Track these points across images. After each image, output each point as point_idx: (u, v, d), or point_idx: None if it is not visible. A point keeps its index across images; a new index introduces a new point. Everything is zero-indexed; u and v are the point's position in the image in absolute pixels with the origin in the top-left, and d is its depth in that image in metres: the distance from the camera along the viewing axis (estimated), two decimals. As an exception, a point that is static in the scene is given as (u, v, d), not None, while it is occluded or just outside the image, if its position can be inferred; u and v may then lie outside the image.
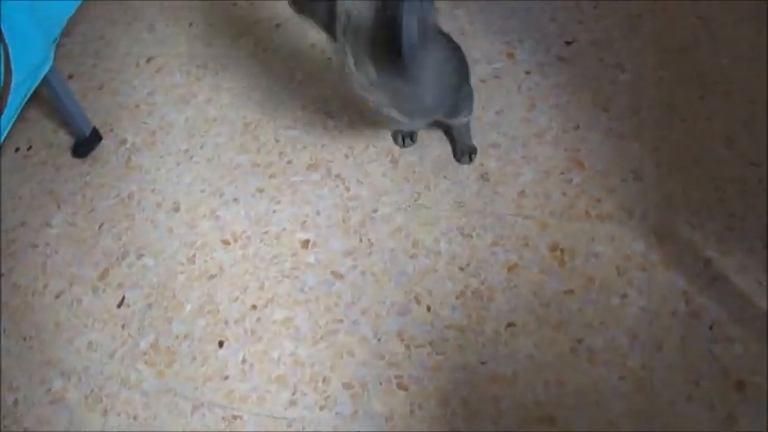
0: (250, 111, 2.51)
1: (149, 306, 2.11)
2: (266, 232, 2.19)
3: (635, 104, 2.31)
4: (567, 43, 2.53)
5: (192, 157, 2.42)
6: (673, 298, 1.91)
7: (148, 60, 2.77)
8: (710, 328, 1.85)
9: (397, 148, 2.30)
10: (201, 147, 2.44)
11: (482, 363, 1.87)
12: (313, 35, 2.69)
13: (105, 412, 1.96)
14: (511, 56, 2.52)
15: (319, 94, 2.51)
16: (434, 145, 2.28)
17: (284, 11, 2.78)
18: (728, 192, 2.08)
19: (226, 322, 2.04)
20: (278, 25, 2.78)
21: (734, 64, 2.38)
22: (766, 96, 2.28)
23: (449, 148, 2.28)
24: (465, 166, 2.22)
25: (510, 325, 1.92)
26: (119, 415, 1.95)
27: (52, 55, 2.21)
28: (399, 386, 1.86)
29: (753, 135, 2.19)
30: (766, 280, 1.92)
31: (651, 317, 1.89)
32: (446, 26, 2.51)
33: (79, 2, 2.29)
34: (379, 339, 1.94)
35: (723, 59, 2.40)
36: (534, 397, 1.80)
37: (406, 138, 2.27)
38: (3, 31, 1.94)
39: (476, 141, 2.27)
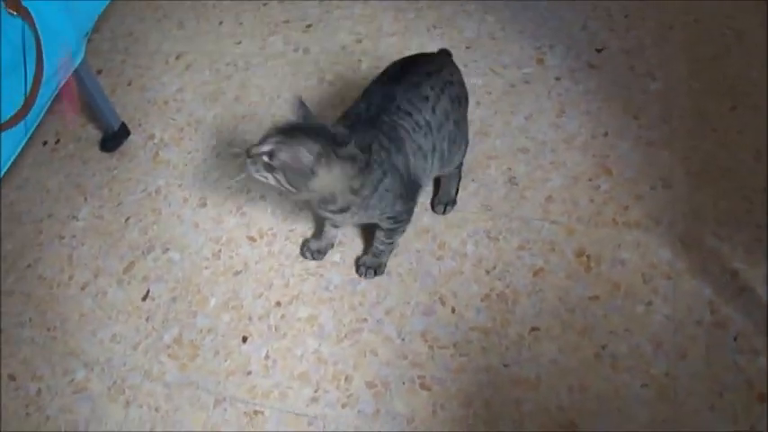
0: (278, 109, 2.52)
1: (174, 300, 2.12)
2: (292, 230, 2.20)
3: (665, 113, 2.30)
4: (598, 50, 2.53)
5: (219, 154, 2.43)
6: (698, 307, 1.90)
7: (177, 57, 2.80)
8: (735, 339, 1.84)
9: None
10: (229, 144, 2.45)
11: (505, 366, 1.87)
12: (343, 37, 2.71)
13: (127, 403, 1.97)
14: (541, 61, 2.52)
15: (348, 94, 2.50)
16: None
17: (314, 12, 2.79)
18: (756, 203, 2.07)
19: (250, 318, 2.05)
20: (308, 26, 2.80)
21: (765, 76, 2.36)
22: None
23: (476, 154, 2.27)
24: (493, 170, 2.22)
25: (534, 329, 1.92)
26: (141, 407, 1.96)
27: (83, 49, 2.22)
28: (422, 386, 1.86)
29: None
30: None
31: (676, 325, 1.88)
32: (477, 31, 2.57)
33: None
34: (402, 339, 1.94)
35: (754, 71, 2.38)
36: (557, 402, 1.80)
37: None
38: (36, 23, 1.95)
39: (504, 146, 2.27)
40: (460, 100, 1.95)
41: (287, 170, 1.62)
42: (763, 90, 2.32)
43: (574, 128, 2.27)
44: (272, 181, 1.65)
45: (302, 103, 1.71)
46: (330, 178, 1.66)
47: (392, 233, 1.95)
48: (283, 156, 1.61)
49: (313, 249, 2.12)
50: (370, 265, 2.05)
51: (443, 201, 2.15)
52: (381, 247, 2.00)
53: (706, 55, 2.44)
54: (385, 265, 2.06)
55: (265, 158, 1.62)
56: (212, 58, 2.76)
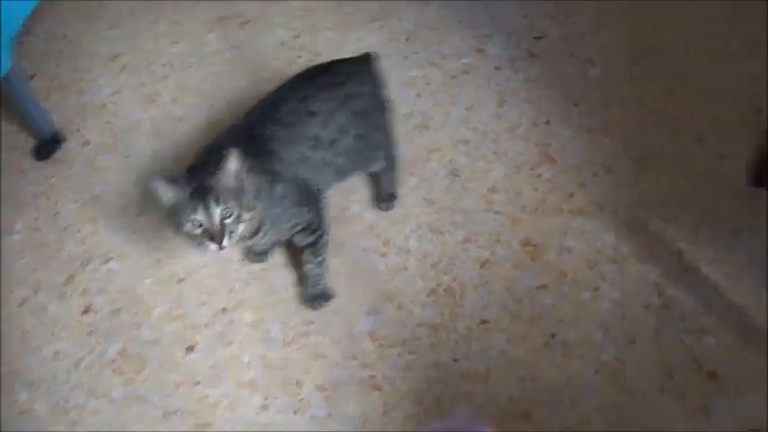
0: (216, 110, 2.48)
1: (116, 312, 2.06)
2: None
3: (606, 99, 2.32)
4: (538, 38, 2.53)
5: (156, 159, 2.37)
6: (645, 291, 1.92)
7: (113, 59, 2.74)
8: (682, 319, 1.86)
9: None
10: (166, 147, 2.40)
11: (455, 360, 1.85)
12: (280, 33, 2.68)
13: (74, 423, 1.90)
14: (481, 51, 2.51)
15: None
16: (402, 145, 2.22)
17: (251, 8, 2.76)
18: (699, 185, 2.09)
19: (195, 327, 2.00)
20: (245, 22, 2.76)
21: (703, 61, 2.40)
22: (735, 93, 2.30)
23: (416, 147, 2.26)
24: (434, 163, 2.20)
25: (483, 321, 1.91)
26: (87, 425, 1.89)
27: (11, 54, 2.16)
28: (373, 386, 1.84)
29: (721, 130, 2.21)
30: (736, 271, 1.92)
31: (624, 310, 1.88)
32: (417, 23, 2.56)
33: (36, 1, 2.25)
34: (351, 340, 1.91)
35: (694, 56, 2.42)
36: (508, 393, 1.79)
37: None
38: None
39: (445, 138, 2.26)
40: (368, 113, 1.91)
41: (233, 195, 1.59)
42: (701, 73, 2.35)
43: (515, 117, 2.27)
44: (244, 222, 1.62)
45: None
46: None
47: (315, 249, 1.90)
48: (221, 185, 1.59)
49: (257, 251, 2.09)
50: (315, 297, 1.99)
51: (384, 197, 2.13)
52: (315, 271, 1.95)
53: (645, 41, 2.46)
54: (327, 288, 2.01)
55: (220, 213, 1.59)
56: (149, 58, 2.71)
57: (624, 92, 2.34)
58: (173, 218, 1.60)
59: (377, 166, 2.03)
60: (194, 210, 1.56)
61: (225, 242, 1.58)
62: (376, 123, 1.96)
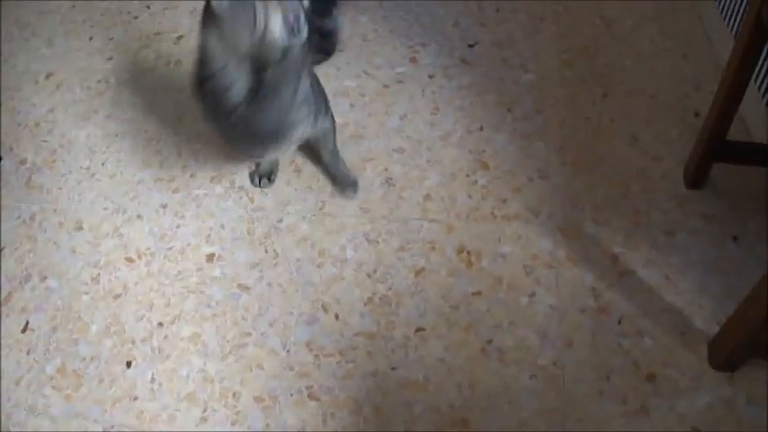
0: (152, 125, 2.47)
1: (54, 329, 2.04)
2: (171, 248, 2.15)
3: (539, 104, 2.34)
4: (470, 46, 2.55)
5: (93, 175, 2.36)
6: (581, 295, 1.93)
7: (47, 77, 2.71)
8: (620, 322, 1.87)
9: (300, 159, 2.29)
10: (103, 164, 2.39)
11: (393, 369, 1.85)
12: None
13: (12, 442, 1.89)
14: (414, 60, 2.52)
15: None
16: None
17: (185, 23, 2.75)
18: (632, 188, 2.11)
19: (133, 342, 1.98)
20: (179, 37, 2.76)
21: (635, 63, 2.43)
22: (667, 95, 2.33)
23: (351, 157, 2.26)
24: (369, 172, 2.21)
25: (419, 329, 1.91)
26: (26, 444, 1.87)
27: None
28: (310, 397, 1.83)
29: (654, 132, 2.24)
30: (672, 273, 1.94)
31: (560, 314, 1.90)
32: (351, 32, 2.58)
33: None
34: (288, 351, 1.91)
35: (626, 60, 2.45)
36: (447, 400, 1.79)
37: (263, 178, 2.24)
38: None
39: (379, 147, 2.27)
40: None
41: None
42: (634, 77, 2.38)
43: (449, 125, 2.28)
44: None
45: None
46: None
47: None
48: None
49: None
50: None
51: (348, 183, 2.16)
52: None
53: (577, 45, 2.49)
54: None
55: None
56: (83, 75, 2.69)
57: (557, 96, 2.36)
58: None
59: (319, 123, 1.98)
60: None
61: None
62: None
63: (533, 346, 1.85)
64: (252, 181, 2.25)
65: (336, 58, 2.54)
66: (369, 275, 2.01)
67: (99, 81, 2.65)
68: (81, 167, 2.39)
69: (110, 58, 2.73)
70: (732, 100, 1.85)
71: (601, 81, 2.40)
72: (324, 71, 2.48)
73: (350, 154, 2.25)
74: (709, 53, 2.44)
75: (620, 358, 1.81)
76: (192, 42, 2.60)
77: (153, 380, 1.91)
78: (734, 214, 2.04)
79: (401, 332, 1.91)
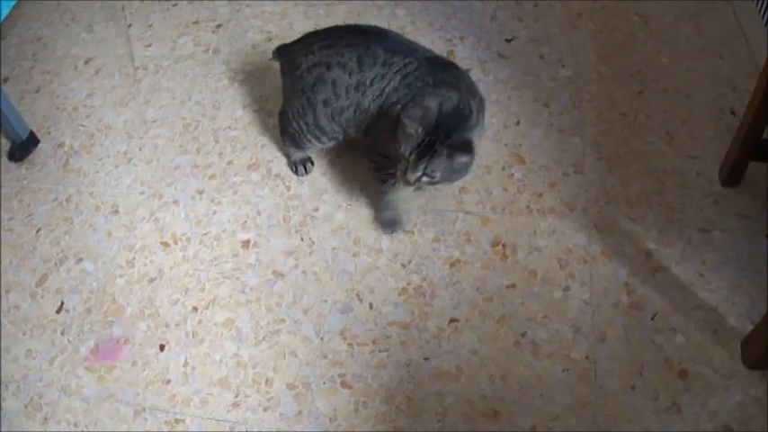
0: (189, 112, 2.49)
1: (89, 311, 2.05)
2: (206, 234, 2.16)
3: (575, 100, 2.34)
4: (508, 41, 2.55)
5: (130, 160, 2.38)
6: (615, 290, 1.93)
7: (87, 62, 2.73)
8: (653, 318, 1.87)
9: (335, 147, 2.28)
10: (140, 149, 2.41)
11: (425, 359, 1.86)
12: (253, 36, 2.69)
13: (45, 420, 1.89)
14: (452, 53, 2.53)
15: (260, 94, 2.50)
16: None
17: (223, 12, 2.76)
18: (667, 185, 2.11)
19: (167, 325, 2.00)
20: (218, 26, 2.77)
21: (672, 61, 2.42)
22: (703, 93, 2.32)
23: None
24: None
25: (453, 321, 1.92)
26: (59, 423, 1.88)
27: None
28: (343, 385, 1.84)
29: (690, 129, 2.23)
30: (706, 271, 1.94)
31: (594, 309, 1.90)
32: (388, 24, 2.59)
33: (13, 3, 2.24)
34: (321, 338, 1.92)
35: (662, 57, 2.45)
36: (479, 392, 1.79)
37: (298, 165, 2.27)
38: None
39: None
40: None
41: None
42: (670, 75, 2.37)
43: (486, 118, 2.27)
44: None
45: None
46: None
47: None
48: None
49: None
50: (386, 222, 2.12)
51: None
52: (387, 195, 2.09)
53: (614, 41, 2.49)
54: (399, 216, 2.12)
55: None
56: (122, 61, 2.70)
57: (593, 92, 2.36)
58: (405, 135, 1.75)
59: None
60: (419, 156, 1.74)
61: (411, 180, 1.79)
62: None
63: (566, 340, 1.85)
64: (294, 171, 2.27)
65: None
66: (403, 266, 2.02)
67: (137, 67, 2.67)
68: (118, 152, 2.41)
69: (149, 45, 2.75)
70: (769, 99, 1.84)
71: (637, 78, 2.39)
72: None
73: None
74: (747, 53, 2.44)
75: (653, 354, 1.81)
76: (231, 31, 2.64)
77: (186, 364, 1.92)
78: (769, 213, 2.03)
79: (435, 323, 1.91)
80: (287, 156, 2.28)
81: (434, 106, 1.76)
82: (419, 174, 1.76)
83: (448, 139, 1.73)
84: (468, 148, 1.73)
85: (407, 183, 1.80)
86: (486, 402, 1.78)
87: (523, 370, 1.82)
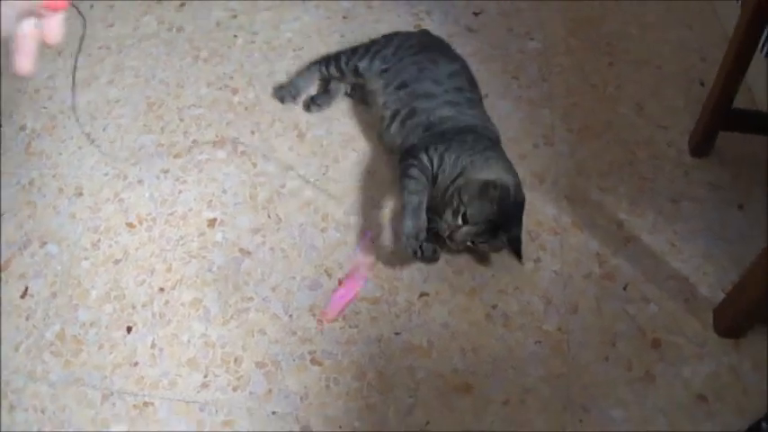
0: (153, 90, 2.44)
1: (54, 295, 2.00)
2: (172, 213, 2.12)
3: (544, 72, 2.34)
4: (476, 14, 2.54)
5: (94, 140, 2.32)
6: (586, 261, 1.93)
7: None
8: (625, 288, 1.88)
9: (303, 122, 2.28)
10: (104, 129, 2.36)
11: (396, 334, 1.84)
12: (217, 13, 2.65)
13: (12, 408, 1.83)
14: (419, 27, 2.50)
15: (224, 71, 2.46)
16: (341, 119, 2.27)
17: (187, -12, 2.72)
18: (638, 155, 2.12)
19: (133, 307, 1.96)
20: (182, 4, 2.72)
21: (641, 32, 2.44)
22: (673, 64, 2.34)
23: (355, 122, 2.28)
24: (374, 138, 2.20)
25: (423, 294, 1.90)
26: (26, 410, 1.83)
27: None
28: (313, 362, 1.81)
29: (660, 100, 2.25)
30: (677, 240, 1.95)
31: (565, 280, 1.90)
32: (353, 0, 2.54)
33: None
34: (290, 316, 1.89)
35: (631, 29, 2.46)
36: (450, 366, 1.78)
37: (287, 95, 2.34)
38: None
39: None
40: None
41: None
42: (640, 46, 2.39)
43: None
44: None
45: None
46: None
47: None
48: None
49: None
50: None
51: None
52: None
53: (583, 14, 2.50)
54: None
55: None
56: (84, 42, 2.62)
57: (563, 64, 2.36)
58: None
59: None
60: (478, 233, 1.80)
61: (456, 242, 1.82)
62: None
63: (538, 312, 1.85)
64: (306, 107, 2.34)
65: (340, 26, 2.54)
66: (372, 240, 2.00)
67: (100, 47, 2.62)
68: (81, 134, 2.35)
69: (111, 25, 2.70)
70: (738, 68, 1.87)
71: (607, 50, 2.40)
72: (328, 40, 2.50)
73: (356, 121, 2.26)
74: (715, 24, 2.46)
75: (626, 324, 1.81)
76: (195, 9, 2.61)
77: (153, 345, 1.89)
78: (739, 183, 2.06)
79: (405, 297, 1.89)
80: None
81: (513, 186, 1.82)
82: (467, 243, 1.82)
83: (509, 229, 1.80)
84: (520, 246, 1.82)
85: (449, 240, 1.82)
86: (458, 376, 1.76)
87: (495, 343, 1.80)
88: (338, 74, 2.26)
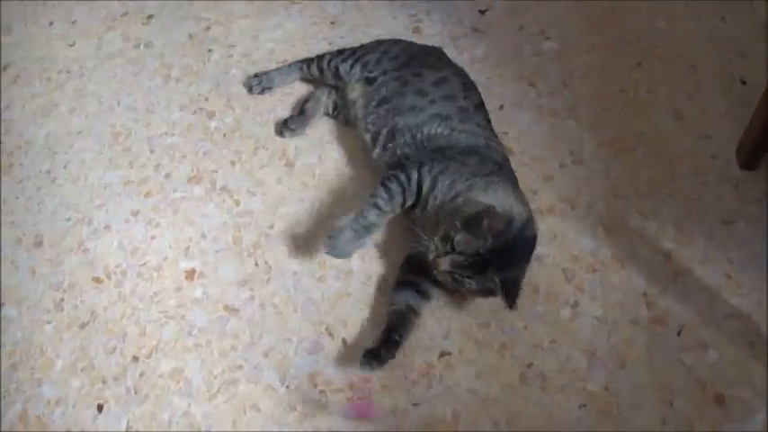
0: (119, 118, 2.26)
1: (14, 367, 1.80)
2: (144, 264, 1.93)
3: (565, 77, 2.22)
4: (482, 12, 2.43)
5: (54, 180, 2.14)
6: (631, 302, 1.75)
7: (5, 68, 2.48)
8: (679, 334, 1.70)
9: (291, 148, 2.12)
10: (65, 166, 2.17)
11: (414, 405, 1.65)
12: (190, 25, 2.49)
13: None
14: (417, 30, 2.38)
15: (198, 91, 2.31)
16: (333, 142, 2.11)
17: (153, 2, 2.58)
18: (680, 170, 1.99)
19: (104, 381, 1.75)
20: (150, 16, 2.55)
21: (670, 26, 2.31)
22: (708, 61, 2.21)
23: (349, 144, 2.11)
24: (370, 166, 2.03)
25: (444, 354, 1.72)
26: None
27: None
28: (319, 444, 1.62)
29: (699, 104, 2.12)
30: (734, 271, 1.77)
31: (609, 328, 1.72)
32: (342, 4, 2.47)
33: None
34: (287, 387, 1.70)
35: (659, 22, 2.33)
36: (481, 440, 1.58)
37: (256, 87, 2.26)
38: None
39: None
40: None
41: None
42: (669, 42, 2.28)
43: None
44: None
45: None
46: None
47: None
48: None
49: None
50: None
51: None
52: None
53: (603, 6, 2.42)
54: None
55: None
56: (43, 65, 2.46)
57: (585, 66, 2.23)
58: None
59: None
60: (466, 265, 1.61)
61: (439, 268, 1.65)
62: None
63: (580, 369, 1.68)
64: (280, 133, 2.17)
65: (327, 32, 2.39)
66: (379, 289, 1.82)
67: (60, 71, 2.43)
68: (40, 172, 2.17)
69: (72, 45, 2.51)
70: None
71: (633, 47, 2.27)
72: (312, 50, 2.32)
73: (348, 144, 2.11)
74: (750, 14, 2.32)
75: (683, 377, 1.63)
76: (164, 21, 2.50)
77: (129, 427, 1.69)
78: (798, 197, 1.93)
79: (422, 358, 1.72)
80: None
81: (521, 219, 1.66)
82: (450, 272, 1.63)
83: (504, 268, 1.61)
84: (515, 292, 1.61)
85: (433, 265, 1.65)
86: None
87: (533, 409, 1.63)
88: (318, 74, 2.18)
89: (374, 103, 1.97)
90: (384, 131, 1.90)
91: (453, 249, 1.61)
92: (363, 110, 2.00)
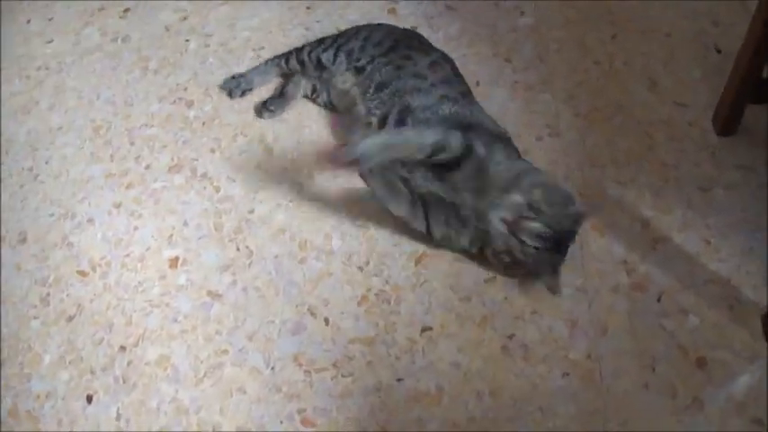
0: (99, 112, 2.26)
1: (2, 364, 1.81)
2: (128, 255, 1.93)
3: (541, 51, 2.24)
4: (455, -11, 2.44)
5: (36, 176, 2.14)
6: (612, 270, 1.76)
7: (-19, 69, 2.48)
8: (659, 300, 1.71)
9: (270, 134, 2.12)
10: (47, 162, 2.17)
11: (399, 380, 1.66)
12: (166, 16, 2.49)
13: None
14: (393, 11, 2.39)
15: (177, 82, 2.30)
16: (312, 126, 2.12)
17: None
18: (657, 138, 2.00)
19: (92, 372, 1.75)
20: (126, 10, 2.55)
21: (645, -3, 2.32)
22: (683, 31, 2.24)
23: (328, 128, 2.13)
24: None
25: (426, 329, 1.72)
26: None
27: None
28: (304, 422, 1.61)
29: (675, 73, 2.15)
30: (712, 236, 1.80)
31: (590, 296, 1.73)
32: None
33: None
34: (272, 368, 1.70)
35: (631, -9, 2.34)
36: (466, 413, 1.60)
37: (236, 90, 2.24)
38: None
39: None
40: None
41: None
42: (644, 13, 2.30)
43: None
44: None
45: None
46: None
47: None
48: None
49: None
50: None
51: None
52: None
53: (578, -21, 2.39)
54: None
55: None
56: (21, 63, 2.46)
57: (560, 40, 2.25)
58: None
59: None
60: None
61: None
62: None
63: (562, 338, 1.68)
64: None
65: (303, 18, 2.40)
66: (360, 268, 1.84)
67: (39, 68, 2.43)
68: (22, 169, 2.17)
69: (50, 41, 2.51)
70: (768, 33, 1.75)
71: (608, 19, 2.29)
72: (289, 36, 2.35)
73: (327, 128, 2.12)
74: None
75: (664, 343, 1.64)
76: (141, 14, 2.51)
77: (119, 416, 1.68)
78: (774, 162, 1.94)
79: (404, 334, 1.72)
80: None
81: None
82: (526, 240, 1.63)
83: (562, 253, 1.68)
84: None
85: (513, 226, 1.63)
86: (475, 424, 1.59)
87: (516, 380, 1.63)
88: (299, 67, 2.16)
89: (372, 90, 1.96)
90: (394, 111, 1.88)
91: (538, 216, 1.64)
92: (362, 97, 1.99)
